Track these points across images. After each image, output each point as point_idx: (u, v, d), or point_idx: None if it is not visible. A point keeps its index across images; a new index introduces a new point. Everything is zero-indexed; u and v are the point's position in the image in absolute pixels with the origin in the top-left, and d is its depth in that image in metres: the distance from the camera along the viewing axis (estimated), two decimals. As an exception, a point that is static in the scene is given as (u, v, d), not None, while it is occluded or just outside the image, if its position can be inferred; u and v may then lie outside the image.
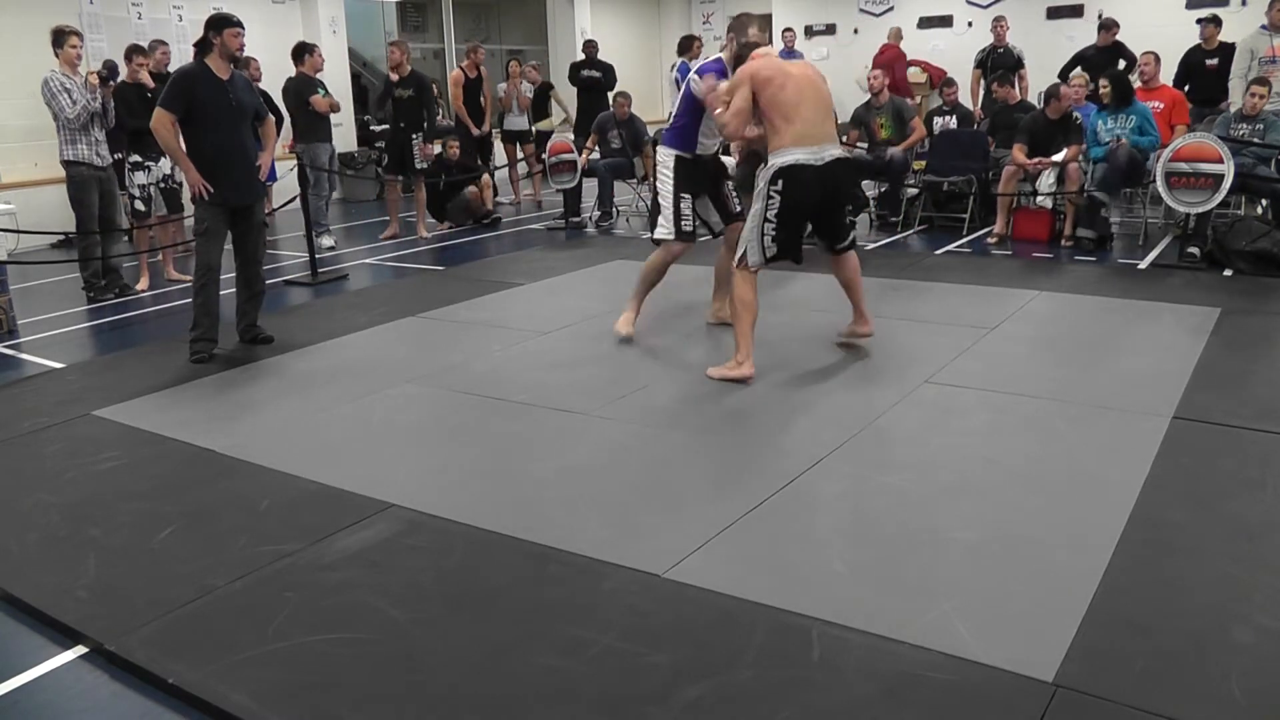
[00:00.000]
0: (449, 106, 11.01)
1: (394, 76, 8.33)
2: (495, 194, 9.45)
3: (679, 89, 4.99)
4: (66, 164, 6.21)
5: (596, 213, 9.06)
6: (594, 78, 9.90)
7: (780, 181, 4.09)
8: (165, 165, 6.65)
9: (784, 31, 12.88)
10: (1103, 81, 7.14)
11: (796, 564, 2.67)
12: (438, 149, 8.45)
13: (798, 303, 5.64)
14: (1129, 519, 2.82)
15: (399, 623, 2.45)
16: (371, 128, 8.52)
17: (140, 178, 6.63)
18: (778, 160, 4.10)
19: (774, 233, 4.14)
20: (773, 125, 4.13)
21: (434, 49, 13.51)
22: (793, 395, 4.04)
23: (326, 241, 8.08)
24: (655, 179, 4.89)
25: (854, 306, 4.60)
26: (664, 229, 4.77)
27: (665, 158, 4.76)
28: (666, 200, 4.76)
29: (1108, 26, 9.18)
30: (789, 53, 11.96)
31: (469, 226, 8.98)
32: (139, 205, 6.68)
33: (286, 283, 6.90)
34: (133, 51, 6.66)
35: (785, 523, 2.91)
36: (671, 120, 4.79)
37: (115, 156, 6.52)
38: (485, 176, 9.40)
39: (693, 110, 4.66)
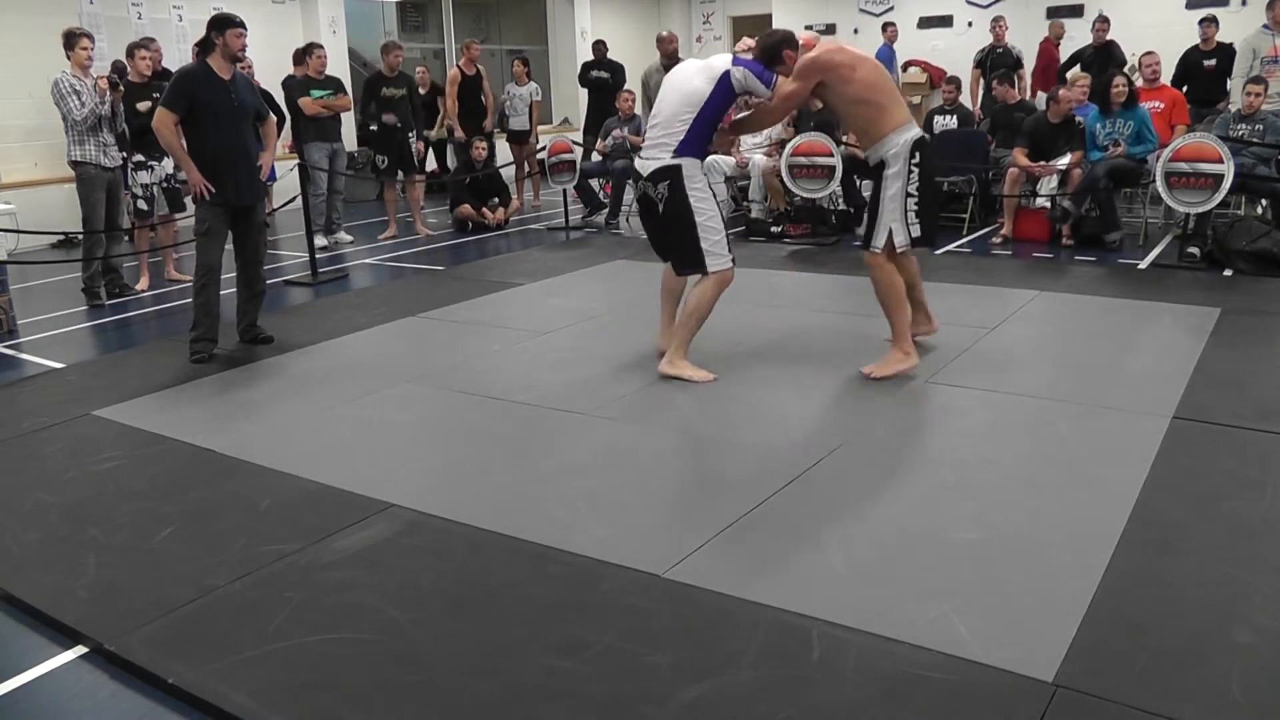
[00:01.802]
0: (450, 106, 11.01)
1: (388, 74, 8.36)
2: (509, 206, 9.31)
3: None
4: (75, 164, 6.22)
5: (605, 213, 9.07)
6: (603, 78, 9.91)
7: (917, 154, 4.05)
8: (168, 165, 6.66)
9: (885, 26, 11.79)
10: (1119, 81, 7.08)
11: (796, 564, 2.67)
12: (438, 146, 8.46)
13: (797, 301, 5.64)
14: (1129, 519, 2.82)
15: (399, 623, 2.45)
16: (372, 127, 8.53)
17: (143, 177, 6.63)
18: (907, 135, 4.05)
19: (916, 207, 4.09)
20: (880, 107, 4.06)
21: (434, 49, 13.51)
22: (793, 395, 4.04)
23: (320, 241, 8.08)
24: (689, 200, 4.11)
25: (919, 306, 4.53)
26: (720, 259, 4.16)
27: (694, 171, 4.15)
28: (716, 224, 4.16)
29: (1097, 24, 9.19)
30: (888, 48, 11.34)
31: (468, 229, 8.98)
32: (141, 205, 6.68)
33: (286, 283, 6.90)
34: (135, 47, 6.66)
35: (785, 523, 2.91)
36: (689, 125, 4.09)
37: (122, 157, 6.52)
38: (515, 202, 9.38)
39: (721, 111, 4.19)
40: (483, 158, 8.84)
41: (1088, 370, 4.25)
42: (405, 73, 8.60)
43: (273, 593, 2.61)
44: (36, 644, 2.50)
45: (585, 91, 10.45)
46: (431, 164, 11.05)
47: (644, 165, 4.20)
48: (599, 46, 10.24)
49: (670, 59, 8.08)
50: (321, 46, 8.40)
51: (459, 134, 9.08)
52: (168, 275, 7.10)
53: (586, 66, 10.23)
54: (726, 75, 4.07)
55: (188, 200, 6.93)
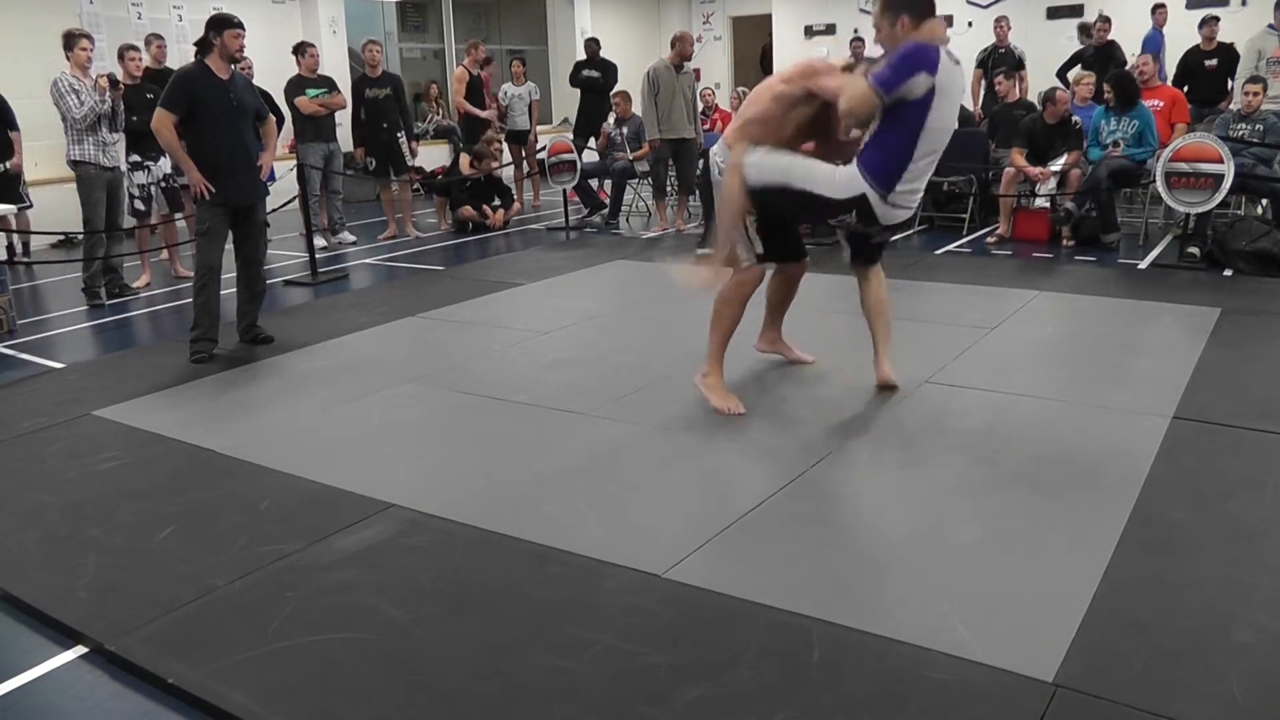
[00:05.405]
0: (449, 106, 11.01)
1: (370, 73, 8.35)
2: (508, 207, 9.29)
3: None
4: (74, 164, 6.22)
5: (605, 213, 9.09)
6: (593, 78, 9.89)
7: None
8: (165, 165, 6.66)
9: (1156, 9, 9.80)
10: (1105, 86, 7.11)
11: (796, 564, 2.67)
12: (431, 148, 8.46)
13: (797, 301, 5.62)
14: (1129, 519, 2.82)
15: (399, 623, 2.45)
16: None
17: (140, 177, 6.64)
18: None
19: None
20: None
21: (434, 49, 13.51)
22: (793, 395, 4.04)
23: (320, 242, 8.07)
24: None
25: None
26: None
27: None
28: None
29: (1098, 25, 9.18)
30: (1158, 32, 9.59)
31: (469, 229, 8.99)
32: (138, 205, 6.69)
33: (286, 283, 6.90)
34: (125, 49, 6.66)
35: (785, 523, 2.91)
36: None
37: (133, 158, 6.53)
38: (515, 204, 9.37)
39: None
40: (498, 157, 8.84)
41: (1088, 370, 4.25)
42: (391, 72, 8.61)
43: (273, 593, 2.61)
44: (36, 644, 2.50)
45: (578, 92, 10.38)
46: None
47: (895, 215, 3.63)
48: (591, 44, 10.17)
49: (685, 60, 8.10)
50: (313, 45, 8.38)
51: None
52: (176, 273, 7.11)
53: (579, 65, 10.14)
54: None
55: (186, 201, 6.98)
